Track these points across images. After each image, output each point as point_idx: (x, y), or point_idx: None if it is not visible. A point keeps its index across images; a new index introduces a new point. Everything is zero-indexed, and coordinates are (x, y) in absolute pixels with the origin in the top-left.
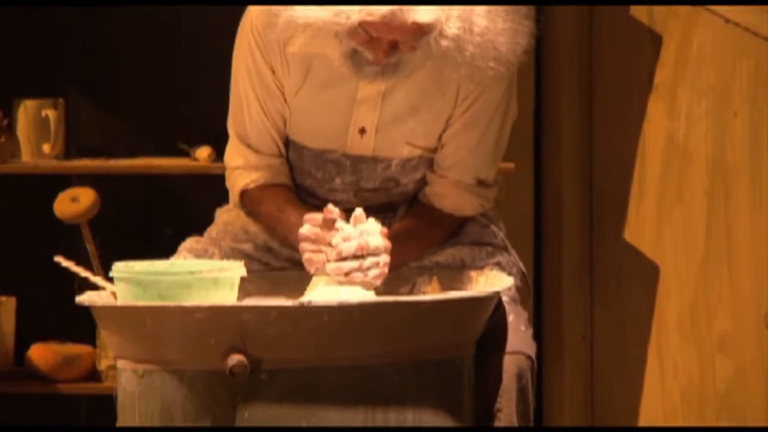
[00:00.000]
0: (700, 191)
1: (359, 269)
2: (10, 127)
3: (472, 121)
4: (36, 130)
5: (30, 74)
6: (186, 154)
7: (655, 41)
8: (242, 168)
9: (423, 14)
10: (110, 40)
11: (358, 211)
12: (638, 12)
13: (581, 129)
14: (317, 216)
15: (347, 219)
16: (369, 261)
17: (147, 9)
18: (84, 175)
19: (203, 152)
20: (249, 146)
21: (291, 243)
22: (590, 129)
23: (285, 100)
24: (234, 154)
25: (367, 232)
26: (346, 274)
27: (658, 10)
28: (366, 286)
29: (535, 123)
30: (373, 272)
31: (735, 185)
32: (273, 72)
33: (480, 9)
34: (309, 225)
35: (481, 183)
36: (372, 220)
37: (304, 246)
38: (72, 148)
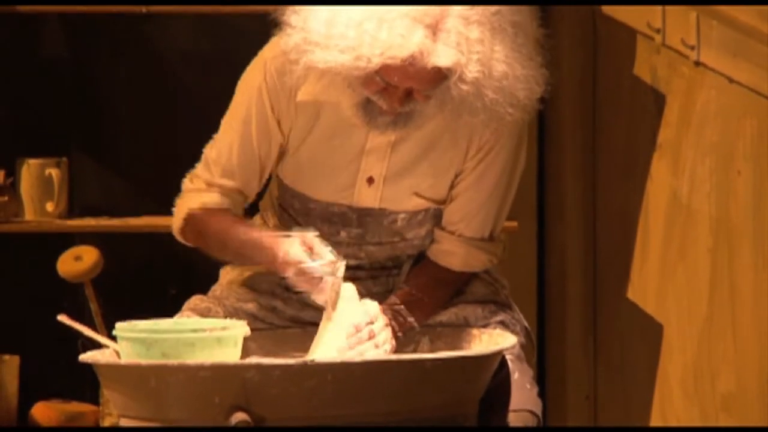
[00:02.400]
0: (704, 250)
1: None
2: (14, 187)
3: (484, 174)
4: (39, 189)
5: (33, 133)
6: None
7: (658, 100)
8: (197, 190)
9: (444, 58)
10: (113, 99)
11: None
12: (642, 71)
13: (585, 187)
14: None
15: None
16: (364, 346)
17: (150, 69)
18: (87, 233)
19: None
20: (218, 171)
21: (245, 256)
22: (593, 187)
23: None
24: (195, 180)
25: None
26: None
27: (662, 69)
28: None
29: (539, 181)
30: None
31: (738, 244)
32: (278, 121)
33: (499, 54)
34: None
35: (489, 237)
36: (374, 305)
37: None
38: (75, 207)
